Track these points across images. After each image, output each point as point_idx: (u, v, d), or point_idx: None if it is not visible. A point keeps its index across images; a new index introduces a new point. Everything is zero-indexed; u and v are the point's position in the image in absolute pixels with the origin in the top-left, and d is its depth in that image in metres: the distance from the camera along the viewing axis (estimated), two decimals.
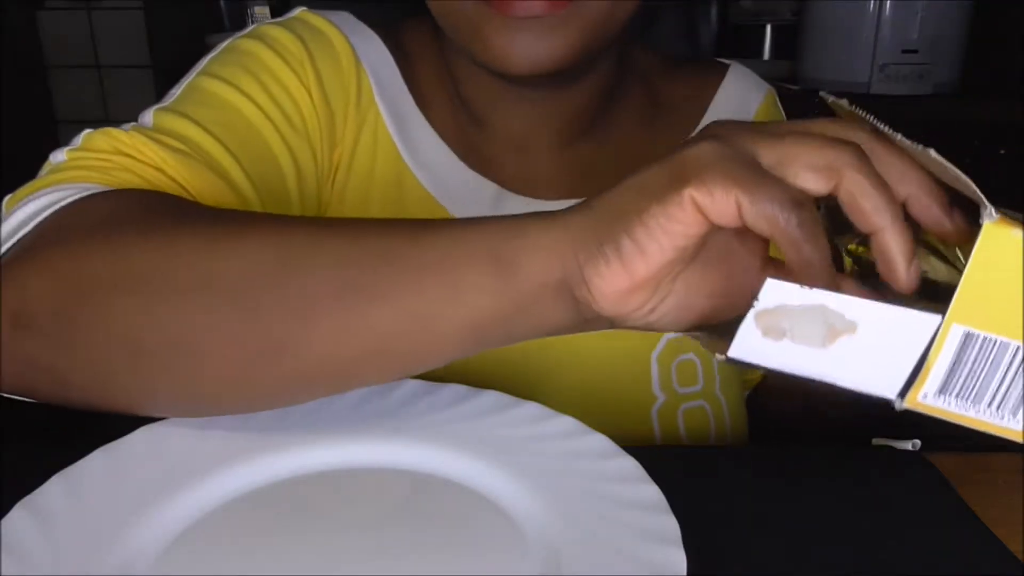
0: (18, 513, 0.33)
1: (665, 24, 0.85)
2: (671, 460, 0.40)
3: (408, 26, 0.61)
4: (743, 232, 0.31)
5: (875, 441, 0.46)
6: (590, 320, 0.33)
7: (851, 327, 0.28)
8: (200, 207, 0.40)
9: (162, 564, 0.32)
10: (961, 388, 0.28)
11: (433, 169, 0.56)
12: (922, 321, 0.27)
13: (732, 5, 1.80)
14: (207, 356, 0.34)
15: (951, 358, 0.27)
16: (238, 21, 1.94)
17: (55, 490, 0.34)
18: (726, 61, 0.67)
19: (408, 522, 0.35)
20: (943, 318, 0.27)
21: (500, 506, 0.35)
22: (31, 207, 0.39)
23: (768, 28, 1.84)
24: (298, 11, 0.56)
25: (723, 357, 0.29)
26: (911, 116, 1.48)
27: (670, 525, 0.33)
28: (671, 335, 0.58)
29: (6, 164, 1.53)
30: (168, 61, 1.77)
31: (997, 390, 0.28)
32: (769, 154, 0.30)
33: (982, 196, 0.26)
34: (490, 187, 0.57)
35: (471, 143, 0.58)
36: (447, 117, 0.58)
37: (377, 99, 0.56)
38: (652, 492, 0.35)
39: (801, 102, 1.54)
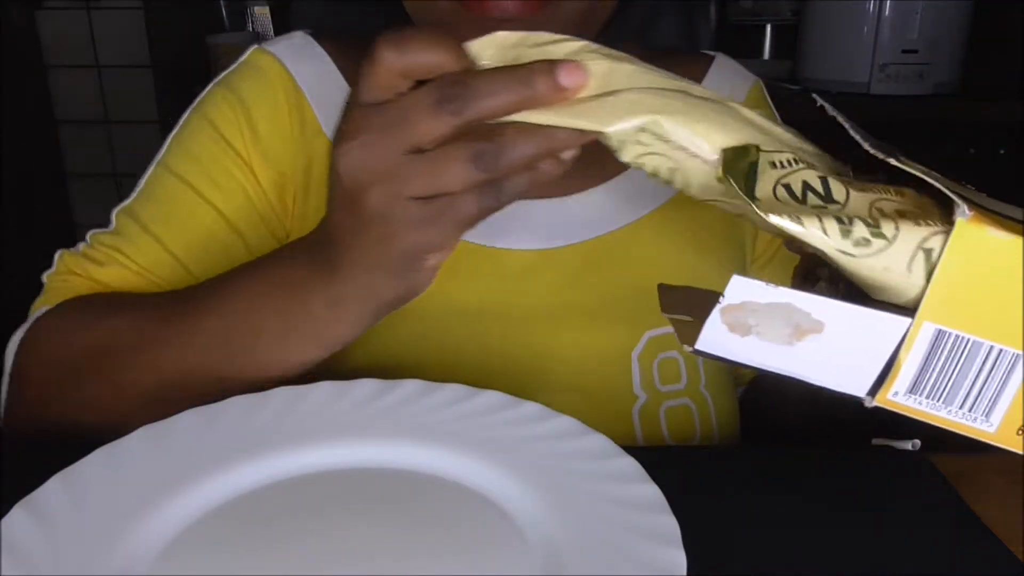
0: (18, 513, 0.33)
1: (664, 24, 0.85)
2: (671, 460, 0.40)
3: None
4: None
5: (875, 441, 0.46)
6: None
7: (818, 326, 0.27)
8: (105, 323, 0.51)
9: (162, 564, 0.32)
10: (932, 388, 0.27)
11: None
12: (891, 322, 0.26)
13: (732, 5, 1.80)
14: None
15: (922, 357, 0.27)
16: (238, 21, 1.95)
17: (55, 490, 0.34)
18: (711, 53, 0.66)
19: (408, 522, 0.35)
20: (912, 320, 0.26)
21: (500, 506, 0.35)
22: (20, 331, 0.53)
23: (768, 28, 1.85)
24: (250, 51, 0.60)
25: (690, 349, 0.29)
26: (911, 116, 1.49)
27: (670, 525, 0.33)
28: (652, 332, 0.57)
29: (6, 164, 1.53)
30: (168, 61, 1.76)
31: (969, 391, 0.27)
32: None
33: (952, 194, 0.25)
34: None
35: None
36: None
37: (323, 127, 0.58)
38: (652, 492, 0.35)
39: (801, 102, 1.54)
